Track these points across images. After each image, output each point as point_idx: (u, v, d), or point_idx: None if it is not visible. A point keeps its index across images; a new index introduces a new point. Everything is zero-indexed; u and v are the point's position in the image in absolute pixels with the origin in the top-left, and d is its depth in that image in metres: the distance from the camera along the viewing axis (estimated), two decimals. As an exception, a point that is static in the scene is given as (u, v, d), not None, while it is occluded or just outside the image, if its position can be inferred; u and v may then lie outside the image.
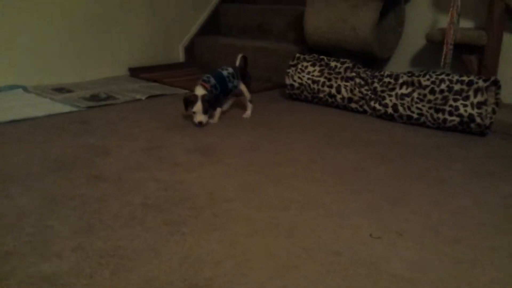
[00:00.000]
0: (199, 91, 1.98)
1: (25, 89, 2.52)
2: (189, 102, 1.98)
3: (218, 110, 2.12)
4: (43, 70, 2.69)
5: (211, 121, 2.08)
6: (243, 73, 2.20)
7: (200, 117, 1.98)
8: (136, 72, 3.06)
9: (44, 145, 1.73)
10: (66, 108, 2.20)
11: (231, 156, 1.71)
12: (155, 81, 2.87)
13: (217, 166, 1.61)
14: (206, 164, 1.63)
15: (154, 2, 3.20)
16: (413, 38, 2.76)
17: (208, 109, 1.99)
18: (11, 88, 2.51)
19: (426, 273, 1.02)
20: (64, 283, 0.93)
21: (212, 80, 2.05)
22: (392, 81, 2.24)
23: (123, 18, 3.04)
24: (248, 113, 2.22)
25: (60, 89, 2.57)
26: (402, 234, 1.19)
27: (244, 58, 2.23)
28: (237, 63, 2.20)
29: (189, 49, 3.48)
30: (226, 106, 2.26)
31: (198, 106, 1.96)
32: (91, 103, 2.31)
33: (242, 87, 2.20)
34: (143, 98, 2.46)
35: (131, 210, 1.26)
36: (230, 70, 2.14)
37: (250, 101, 2.22)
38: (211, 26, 3.60)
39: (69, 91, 2.54)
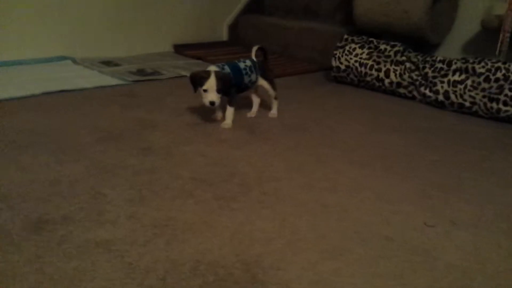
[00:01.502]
0: (212, 68, 1.68)
1: (73, 60, 2.57)
2: (198, 79, 1.63)
3: (230, 110, 1.74)
4: (91, 43, 2.73)
5: (224, 125, 1.74)
6: (263, 67, 1.84)
7: (212, 96, 1.61)
8: (180, 49, 3.07)
9: (94, 116, 1.76)
10: (114, 81, 2.23)
11: (277, 135, 1.70)
12: (199, 58, 2.87)
13: (263, 145, 1.60)
14: (252, 142, 1.62)
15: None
16: (466, 24, 2.65)
17: (222, 89, 1.63)
18: (60, 59, 2.56)
19: (483, 264, 0.99)
20: (119, 249, 0.95)
21: (227, 69, 1.72)
22: (444, 67, 2.16)
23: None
24: (273, 112, 1.91)
25: (107, 62, 2.61)
26: (456, 223, 1.15)
27: (262, 50, 1.87)
28: (253, 55, 1.84)
29: (233, 28, 3.46)
30: (254, 109, 1.91)
31: (210, 82, 1.60)
32: (137, 77, 2.33)
33: (263, 82, 1.85)
34: (188, 75, 2.46)
35: (181, 183, 1.27)
36: (248, 62, 1.79)
37: (276, 98, 1.90)
38: (256, 5, 3.55)
39: (116, 64, 2.57)
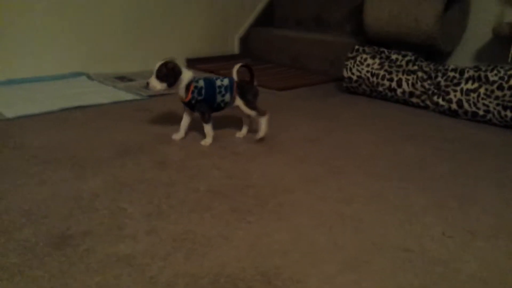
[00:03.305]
0: (171, 60, 1.63)
1: (88, 76, 2.62)
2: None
3: (207, 127, 1.69)
4: (105, 58, 2.78)
5: (203, 142, 1.70)
6: (243, 87, 1.70)
7: (151, 79, 1.60)
8: (193, 63, 3.11)
9: (111, 131, 1.79)
10: (129, 96, 2.27)
11: (291, 147, 1.71)
12: (211, 72, 2.90)
13: (278, 157, 1.61)
14: (267, 154, 1.63)
15: (211, -6, 3.23)
16: (477, 32, 2.65)
17: (164, 78, 1.58)
18: (76, 76, 2.61)
19: (503, 275, 0.99)
20: (140, 263, 0.97)
21: (201, 83, 1.66)
22: (457, 75, 2.16)
23: (182, 10, 3.09)
24: (260, 134, 1.72)
25: (121, 78, 2.65)
26: (475, 234, 1.15)
27: (248, 68, 1.72)
28: (234, 74, 1.71)
29: (244, 40, 3.50)
30: (243, 130, 1.81)
31: (155, 68, 1.60)
32: (151, 92, 2.36)
33: (239, 103, 1.70)
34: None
35: (197, 196, 1.29)
36: (226, 81, 1.69)
37: (261, 113, 1.71)
38: (267, 18, 3.60)
39: (130, 79, 2.61)
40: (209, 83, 1.68)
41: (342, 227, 1.15)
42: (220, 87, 1.68)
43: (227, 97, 1.69)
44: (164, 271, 0.95)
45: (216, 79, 1.71)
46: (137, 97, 2.27)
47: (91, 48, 2.72)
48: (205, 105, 1.68)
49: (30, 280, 0.91)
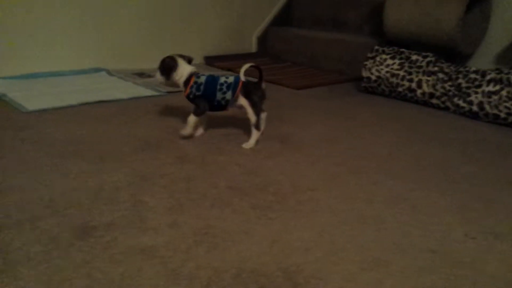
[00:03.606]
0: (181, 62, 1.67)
1: (108, 72, 2.64)
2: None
3: (192, 118, 1.66)
4: (125, 55, 2.80)
5: (181, 131, 1.68)
6: (248, 88, 1.63)
7: (156, 73, 1.70)
8: (211, 61, 3.12)
9: (131, 126, 1.80)
10: (148, 92, 2.29)
11: (309, 146, 1.71)
12: (229, 69, 2.91)
13: (296, 155, 1.61)
14: (285, 152, 1.63)
15: (231, -8, 3.24)
16: (498, 34, 2.61)
17: (162, 71, 1.67)
18: (96, 71, 2.64)
19: (528, 279, 0.97)
20: (163, 256, 0.97)
21: (202, 78, 1.65)
22: (478, 77, 2.14)
23: (202, 8, 3.10)
24: (250, 142, 1.66)
25: (140, 74, 2.67)
26: (498, 236, 1.13)
27: (257, 69, 1.63)
28: (241, 74, 1.63)
29: (262, 39, 3.50)
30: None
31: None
32: (170, 88, 2.37)
33: (244, 102, 1.64)
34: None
35: (217, 192, 1.29)
36: (231, 79, 1.65)
37: (256, 127, 1.65)
38: (284, 17, 3.59)
39: (149, 76, 2.63)
40: (211, 80, 1.66)
41: (363, 226, 1.15)
42: (222, 84, 1.65)
43: (228, 94, 1.64)
44: (187, 263, 0.95)
45: (221, 76, 1.68)
46: (156, 93, 2.29)
47: (111, 44, 2.74)
48: (204, 101, 1.66)
49: (55, 269, 0.92)
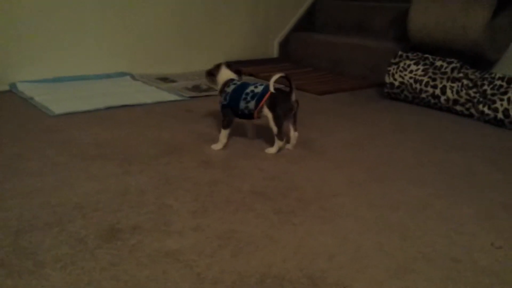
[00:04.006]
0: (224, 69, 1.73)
1: (132, 76, 2.68)
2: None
3: (222, 133, 1.66)
4: (149, 60, 2.85)
5: (214, 147, 1.66)
6: (275, 99, 1.58)
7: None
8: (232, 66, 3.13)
9: (155, 130, 1.83)
10: (172, 97, 2.31)
11: (333, 151, 1.70)
12: (251, 75, 2.92)
13: (320, 161, 1.60)
14: (309, 157, 1.63)
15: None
16: (526, 40, 2.56)
17: (208, 76, 1.75)
18: (120, 75, 2.68)
19: (559, 291, 0.95)
20: (187, 259, 0.98)
21: (231, 88, 1.66)
22: (504, 84, 2.10)
23: (225, 14, 3.13)
24: (272, 149, 1.65)
25: (164, 79, 2.71)
26: (526, 247, 1.11)
27: (287, 80, 1.59)
28: (271, 84, 1.58)
29: (284, 45, 3.51)
30: (291, 141, 1.69)
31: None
32: (194, 93, 2.40)
33: (267, 113, 1.60)
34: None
35: (241, 196, 1.30)
36: (259, 89, 1.61)
37: (278, 137, 1.62)
38: (306, 23, 3.60)
39: (172, 81, 2.66)
40: (239, 89, 1.63)
41: (388, 233, 1.14)
42: (247, 93, 1.61)
43: (252, 104, 1.60)
44: (211, 267, 0.96)
45: (252, 85, 1.64)
46: (179, 98, 2.31)
47: (135, 49, 2.79)
48: (229, 111, 1.65)
49: (82, 271, 0.93)
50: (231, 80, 1.69)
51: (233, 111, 1.65)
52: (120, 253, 0.99)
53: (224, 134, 1.66)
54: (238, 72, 1.75)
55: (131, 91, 2.35)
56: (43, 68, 2.48)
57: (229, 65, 1.76)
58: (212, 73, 1.74)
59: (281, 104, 1.59)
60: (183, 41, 2.97)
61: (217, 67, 1.74)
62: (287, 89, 1.61)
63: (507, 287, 0.95)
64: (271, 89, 1.59)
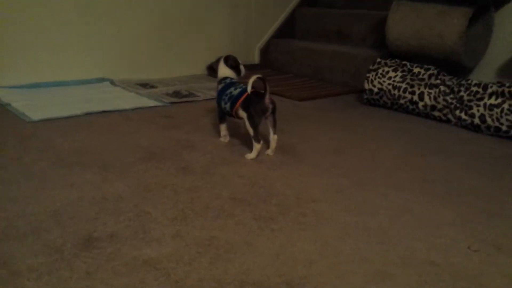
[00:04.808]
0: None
1: (112, 82, 2.66)
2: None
3: (220, 127, 1.80)
4: (128, 65, 2.82)
5: (222, 139, 1.81)
6: (250, 101, 1.60)
7: None
8: (213, 72, 3.13)
9: (134, 136, 1.81)
10: (152, 103, 2.30)
11: (313, 157, 1.71)
12: (232, 80, 2.92)
13: (300, 166, 1.61)
14: (289, 163, 1.63)
15: (236, 5, 3.26)
16: (501, 47, 2.63)
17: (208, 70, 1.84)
18: (99, 81, 2.66)
19: (533, 293, 0.97)
20: (165, 267, 0.97)
21: (221, 86, 1.74)
22: (480, 90, 2.14)
23: (205, 19, 3.13)
24: (251, 154, 1.65)
25: (144, 84, 2.69)
26: (501, 249, 1.13)
27: (263, 81, 1.59)
28: (249, 86, 1.60)
29: (264, 51, 3.52)
30: (271, 146, 1.70)
31: None
32: (174, 99, 2.39)
33: (243, 114, 1.63)
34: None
35: (220, 203, 1.29)
36: (236, 91, 1.65)
37: (255, 140, 1.62)
38: (287, 30, 3.62)
39: (152, 86, 2.65)
40: (225, 88, 1.71)
41: (367, 239, 1.15)
42: (226, 94, 1.68)
43: (228, 106, 1.67)
44: (190, 275, 0.95)
45: (233, 87, 1.68)
46: (159, 104, 2.30)
47: (115, 54, 2.76)
48: (218, 108, 1.76)
49: (58, 280, 0.92)
50: (224, 78, 1.76)
51: (220, 108, 1.75)
52: (97, 262, 0.98)
53: (221, 128, 1.80)
54: (235, 68, 1.79)
55: (111, 97, 2.33)
56: (20, 74, 2.44)
57: (227, 59, 1.79)
58: (212, 68, 1.80)
59: (254, 105, 1.60)
60: (163, 47, 2.96)
61: (217, 61, 1.79)
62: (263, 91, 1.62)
63: (483, 290, 0.97)
64: (249, 90, 1.61)
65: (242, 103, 1.62)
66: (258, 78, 1.60)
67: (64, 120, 1.95)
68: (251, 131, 1.62)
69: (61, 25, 2.52)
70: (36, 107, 2.06)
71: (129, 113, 2.13)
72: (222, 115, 1.77)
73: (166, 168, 1.51)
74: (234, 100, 1.64)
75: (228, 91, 1.68)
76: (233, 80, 1.76)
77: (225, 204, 1.29)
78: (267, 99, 1.61)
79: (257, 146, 1.64)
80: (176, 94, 2.50)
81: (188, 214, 1.21)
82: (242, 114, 1.64)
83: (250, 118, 1.61)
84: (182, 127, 1.96)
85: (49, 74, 2.52)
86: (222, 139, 1.82)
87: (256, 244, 1.09)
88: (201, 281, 0.94)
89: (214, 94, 2.51)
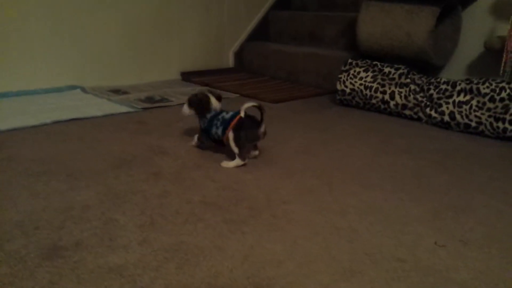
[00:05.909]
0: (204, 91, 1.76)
1: (83, 89, 2.62)
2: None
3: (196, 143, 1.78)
4: (100, 72, 2.79)
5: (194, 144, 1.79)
6: (242, 124, 1.59)
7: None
8: (188, 76, 3.12)
9: (105, 143, 1.79)
10: (123, 109, 2.27)
11: (286, 159, 1.71)
12: (206, 85, 2.92)
13: (272, 169, 1.61)
14: (261, 166, 1.63)
15: (208, 9, 3.26)
16: (469, 46, 2.68)
17: (195, 106, 1.71)
18: (70, 89, 2.62)
19: (496, 284, 0.98)
20: (132, 274, 0.96)
21: (210, 115, 1.70)
22: (449, 88, 2.18)
23: (178, 24, 3.11)
24: (230, 163, 1.61)
25: (116, 91, 2.66)
26: (467, 243, 1.15)
27: (259, 109, 1.59)
28: (242, 112, 1.59)
29: (239, 54, 3.52)
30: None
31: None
32: (146, 105, 2.37)
33: (230, 135, 1.60)
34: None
35: (191, 207, 1.28)
36: (228, 116, 1.64)
37: (240, 157, 1.60)
38: (261, 33, 3.63)
39: (125, 92, 2.62)
40: (214, 116, 1.68)
41: (336, 238, 1.15)
42: (218, 120, 1.65)
43: (220, 130, 1.64)
44: (156, 281, 0.94)
45: (225, 112, 1.67)
46: (131, 110, 2.28)
47: (86, 61, 2.73)
48: (205, 135, 1.72)
49: (20, 291, 0.89)
50: (218, 107, 1.73)
51: (207, 135, 1.72)
52: (61, 271, 0.96)
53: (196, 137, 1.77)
54: (219, 99, 1.75)
55: (81, 105, 2.30)
56: (-12, 83, 2.39)
57: (212, 92, 1.76)
58: (207, 104, 1.72)
59: (246, 129, 1.59)
60: (135, 52, 2.93)
61: (206, 97, 1.71)
62: (257, 119, 1.61)
63: (449, 285, 0.98)
64: (242, 114, 1.59)
65: (234, 126, 1.59)
66: (253, 106, 1.59)
67: (32, 129, 1.91)
68: (236, 149, 1.60)
69: (30, 32, 2.48)
70: (3, 117, 2.02)
71: (100, 120, 2.10)
72: (208, 143, 1.74)
73: (137, 175, 1.50)
74: (227, 123, 1.61)
75: (220, 117, 1.66)
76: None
77: (195, 209, 1.28)
78: (262, 129, 1.61)
79: (239, 163, 1.61)
80: (149, 99, 2.48)
81: (156, 220, 1.19)
82: (230, 135, 1.60)
83: (236, 138, 1.59)
84: (154, 132, 1.95)
85: (17, 83, 2.48)
86: (194, 143, 1.79)
87: (226, 247, 1.09)
88: (167, 286, 0.92)
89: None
